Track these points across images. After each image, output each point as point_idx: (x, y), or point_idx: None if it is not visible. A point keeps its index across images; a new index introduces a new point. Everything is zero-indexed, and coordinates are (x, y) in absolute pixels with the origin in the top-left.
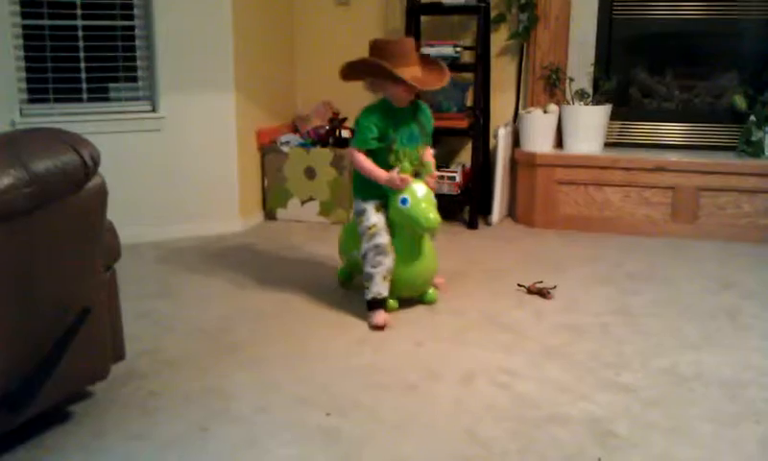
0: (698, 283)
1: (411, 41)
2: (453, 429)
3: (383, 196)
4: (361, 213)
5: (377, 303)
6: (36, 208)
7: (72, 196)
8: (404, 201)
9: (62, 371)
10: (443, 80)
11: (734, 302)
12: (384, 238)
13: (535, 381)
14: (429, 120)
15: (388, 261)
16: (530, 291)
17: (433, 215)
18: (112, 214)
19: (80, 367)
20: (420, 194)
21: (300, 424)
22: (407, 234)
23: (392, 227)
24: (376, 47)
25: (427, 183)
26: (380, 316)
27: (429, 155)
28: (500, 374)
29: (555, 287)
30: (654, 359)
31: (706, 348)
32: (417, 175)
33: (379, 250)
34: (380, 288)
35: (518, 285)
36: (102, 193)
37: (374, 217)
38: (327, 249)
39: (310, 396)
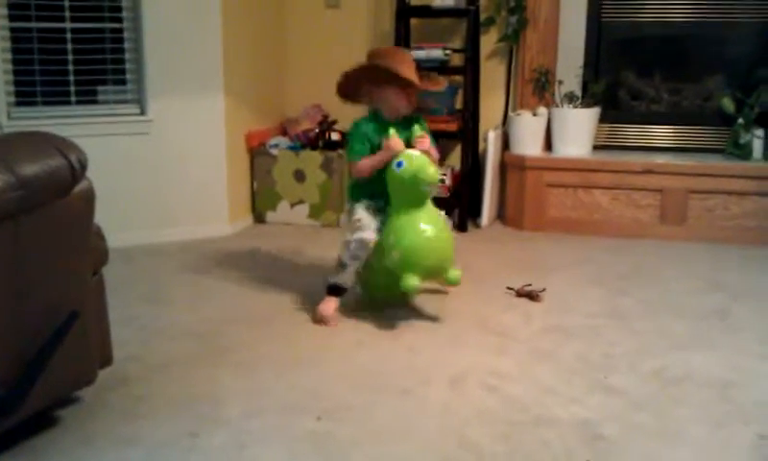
0: (687, 285)
1: (407, 51)
2: (443, 433)
3: (372, 197)
4: (351, 211)
5: (338, 291)
6: (24, 213)
7: (59, 200)
8: (399, 164)
9: (49, 376)
10: (440, 84)
11: (723, 303)
12: (369, 234)
13: (524, 384)
14: (423, 123)
15: (364, 257)
16: (519, 294)
17: (432, 169)
18: (100, 218)
19: (67, 372)
20: (414, 155)
21: (289, 428)
22: (411, 201)
23: (395, 201)
24: (373, 53)
25: (418, 144)
26: (332, 305)
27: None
28: (490, 377)
29: (544, 290)
30: (643, 361)
31: (695, 349)
32: (408, 145)
33: (362, 243)
34: (348, 279)
35: (507, 288)
36: (89, 197)
37: (362, 213)
38: (317, 252)
39: (300, 400)
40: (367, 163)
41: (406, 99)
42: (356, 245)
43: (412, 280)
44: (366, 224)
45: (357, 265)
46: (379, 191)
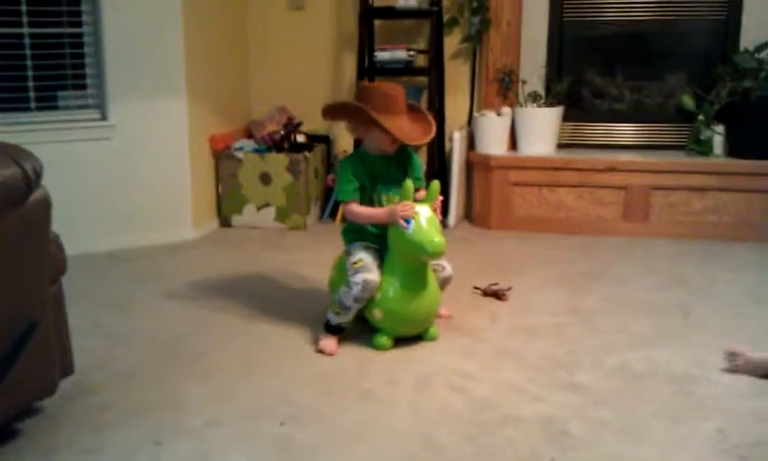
0: (649, 281)
1: (400, 89)
2: (409, 435)
3: (372, 240)
4: (349, 252)
5: (338, 330)
6: None
7: (15, 210)
8: (408, 221)
9: (9, 387)
10: (426, 135)
11: (685, 298)
12: (373, 276)
13: (490, 384)
14: (416, 168)
15: (368, 298)
16: (485, 293)
17: (438, 239)
18: (63, 225)
19: (27, 383)
20: (423, 217)
21: (253, 435)
22: (409, 265)
23: (392, 257)
24: (363, 91)
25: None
26: (332, 344)
27: (421, 195)
28: (456, 377)
29: (510, 289)
30: (606, 357)
31: (657, 345)
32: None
33: (367, 285)
34: (348, 319)
35: (474, 288)
36: (45, 205)
37: (361, 253)
38: (284, 256)
39: (264, 406)
40: (364, 214)
41: (391, 141)
42: (361, 287)
43: (385, 342)
44: (368, 265)
45: (359, 307)
46: (375, 236)
